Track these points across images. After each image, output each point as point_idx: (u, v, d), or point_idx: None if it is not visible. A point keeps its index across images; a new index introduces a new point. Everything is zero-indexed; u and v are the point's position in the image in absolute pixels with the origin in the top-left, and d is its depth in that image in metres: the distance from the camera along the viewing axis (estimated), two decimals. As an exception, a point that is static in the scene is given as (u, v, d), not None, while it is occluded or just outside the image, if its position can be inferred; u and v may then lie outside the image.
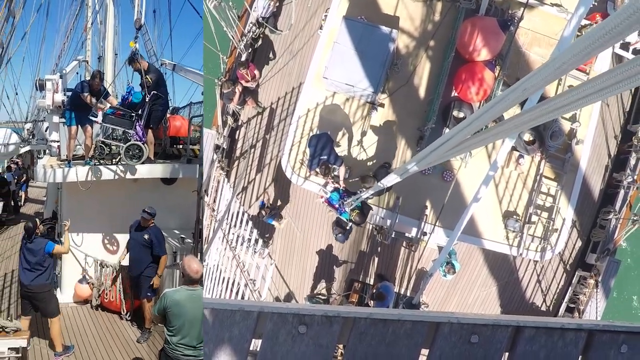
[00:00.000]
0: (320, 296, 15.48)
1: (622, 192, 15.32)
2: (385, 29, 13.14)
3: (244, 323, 3.11)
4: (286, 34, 15.65)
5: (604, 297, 15.42)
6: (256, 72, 15.13)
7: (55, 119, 15.23)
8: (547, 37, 14.05)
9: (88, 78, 15.47)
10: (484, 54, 13.32)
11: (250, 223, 14.09)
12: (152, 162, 13.65)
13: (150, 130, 13.72)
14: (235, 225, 14.21)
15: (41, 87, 15.99)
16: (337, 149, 13.59)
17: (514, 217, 13.70)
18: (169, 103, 14.43)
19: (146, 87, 13.76)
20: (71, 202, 14.95)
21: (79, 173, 13.30)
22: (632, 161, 15.34)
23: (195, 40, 17.90)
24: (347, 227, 13.93)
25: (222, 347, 3.10)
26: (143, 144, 13.35)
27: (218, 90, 14.59)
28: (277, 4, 15.79)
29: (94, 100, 13.47)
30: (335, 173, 13.39)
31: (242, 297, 13.38)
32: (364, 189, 12.40)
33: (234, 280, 13.67)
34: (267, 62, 15.99)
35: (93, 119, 13.82)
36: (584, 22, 13.46)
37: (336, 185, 13.07)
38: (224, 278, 13.83)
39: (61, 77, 15.99)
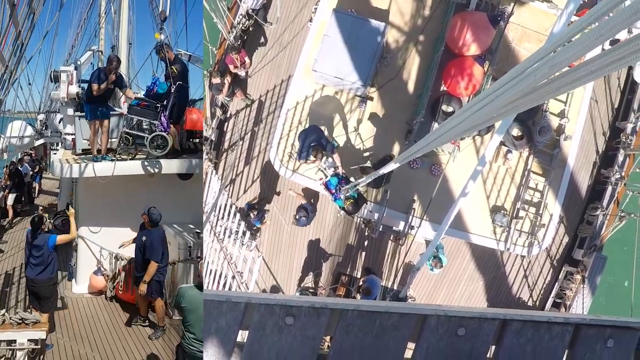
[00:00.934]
0: (309, 290, 15.49)
1: (609, 188, 15.39)
2: (375, 22, 13.12)
3: (231, 314, 3.10)
4: (276, 26, 15.64)
5: (590, 293, 15.49)
6: (247, 58, 15.12)
7: (70, 111, 15.12)
8: (537, 32, 14.07)
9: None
10: (473, 49, 13.32)
11: (237, 215, 14.07)
12: (170, 158, 13.53)
13: (172, 125, 13.65)
14: (222, 218, 14.18)
15: (56, 78, 15.82)
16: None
17: (502, 212, 13.73)
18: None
19: (172, 77, 13.71)
20: (87, 195, 14.92)
21: (96, 168, 13.23)
22: (620, 158, 15.42)
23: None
24: (311, 213, 14.24)
25: (209, 337, 3.09)
26: (167, 134, 13.29)
27: (207, 81, 14.57)
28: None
29: (102, 86, 13.20)
30: (330, 161, 13.35)
31: (229, 290, 13.37)
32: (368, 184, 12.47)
33: (221, 273, 13.66)
34: (257, 47, 16.03)
35: (117, 110, 13.78)
36: (574, 18, 13.48)
37: (337, 170, 13.04)
38: (211, 270, 13.80)
39: (76, 68, 15.92)
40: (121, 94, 15.45)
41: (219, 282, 13.56)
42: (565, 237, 15.76)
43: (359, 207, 13.07)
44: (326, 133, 13.66)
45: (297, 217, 14.19)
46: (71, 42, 24.27)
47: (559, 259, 15.86)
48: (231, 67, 14.84)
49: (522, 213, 13.82)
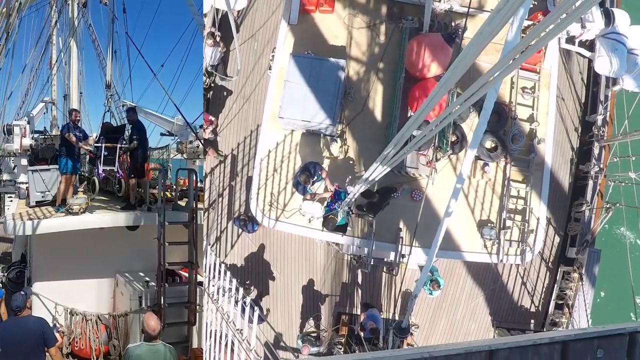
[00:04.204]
0: (311, 335, 15.37)
1: (590, 182, 15.48)
2: (333, 60, 13.20)
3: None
4: (237, 79, 15.72)
5: (590, 288, 15.49)
6: (211, 117, 15.19)
7: (24, 161, 15.64)
8: (493, 43, 14.03)
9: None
10: (433, 70, 13.37)
11: (228, 273, 13.99)
12: (120, 211, 14.02)
13: (133, 179, 14.29)
14: (214, 277, 14.09)
15: (9, 131, 16.17)
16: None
17: (489, 225, 13.69)
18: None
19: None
20: (41, 249, 14.72)
21: (49, 224, 13.28)
22: (596, 150, 15.57)
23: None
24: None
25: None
26: (98, 178, 14.57)
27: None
28: (224, 49, 15.86)
29: (77, 140, 13.99)
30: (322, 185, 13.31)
31: (232, 348, 13.25)
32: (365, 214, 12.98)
33: (221, 333, 13.54)
34: (221, 104, 16.18)
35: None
36: (527, 22, 13.59)
37: (348, 192, 12.98)
38: (211, 331, 13.68)
39: (28, 122, 16.51)
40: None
41: (220, 343, 13.43)
42: (556, 238, 15.79)
43: (335, 230, 13.03)
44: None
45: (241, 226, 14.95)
46: (24, 90, 24.70)
47: (553, 260, 15.87)
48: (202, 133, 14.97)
49: (509, 222, 13.78)
